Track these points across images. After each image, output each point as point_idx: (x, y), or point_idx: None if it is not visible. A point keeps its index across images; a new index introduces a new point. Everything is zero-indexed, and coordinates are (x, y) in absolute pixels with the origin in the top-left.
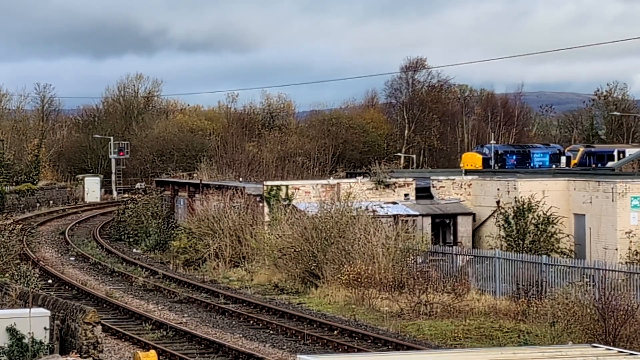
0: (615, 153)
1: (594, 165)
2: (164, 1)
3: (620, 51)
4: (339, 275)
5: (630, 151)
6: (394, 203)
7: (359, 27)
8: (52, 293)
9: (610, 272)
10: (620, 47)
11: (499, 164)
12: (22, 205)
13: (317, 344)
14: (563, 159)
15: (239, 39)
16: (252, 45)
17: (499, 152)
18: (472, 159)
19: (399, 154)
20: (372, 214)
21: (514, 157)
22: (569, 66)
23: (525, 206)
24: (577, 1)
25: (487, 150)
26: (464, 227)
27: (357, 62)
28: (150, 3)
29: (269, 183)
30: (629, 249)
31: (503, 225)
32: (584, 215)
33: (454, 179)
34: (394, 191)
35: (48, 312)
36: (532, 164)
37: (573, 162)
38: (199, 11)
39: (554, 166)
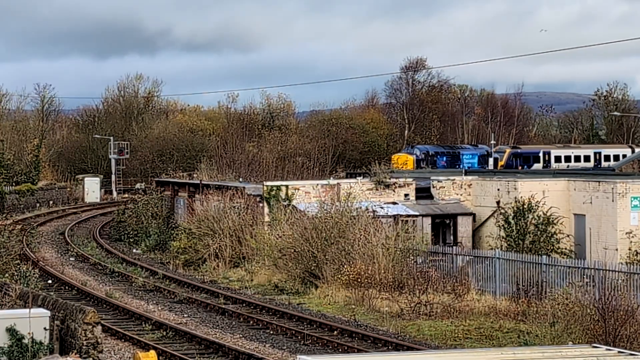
0: (541, 154)
1: (520, 167)
2: (169, 2)
3: (624, 51)
4: (339, 276)
5: (556, 152)
6: (394, 203)
7: (363, 28)
8: (52, 293)
9: (611, 272)
10: (624, 48)
11: (430, 165)
12: (22, 206)
13: (317, 344)
14: (491, 160)
15: (243, 39)
16: (255, 46)
17: (430, 153)
18: (402, 161)
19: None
20: (372, 214)
21: (445, 158)
22: (573, 66)
23: (525, 206)
24: (581, 1)
25: (418, 151)
26: (464, 227)
27: (361, 63)
28: (154, 3)
29: (269, 183)
30: (629, 249)
31: (503, 225)
32: (584, 215)
33: (454, 179)
34: (394, 191)
35: (48, 313)
36: (461, 165)
37: (500, 163)
38: (203, 12)
39: (485, 167)
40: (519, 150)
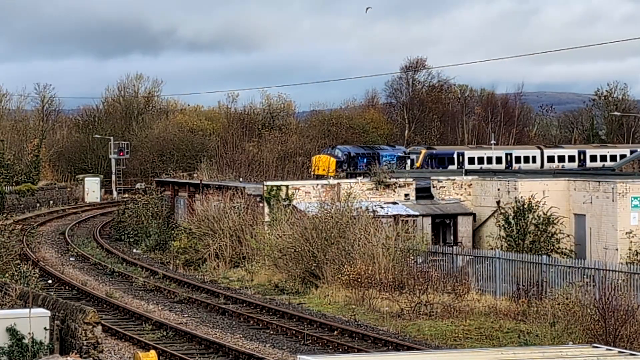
0: (455, 155)
1: (435, 168)
2: (174, 2)
3: (627, 51)
4: (339, 276)
5: (470, 153)
6: (394, 203)
7: (367, 28)
8: (52, 293)
9: (611, 272)
10: (627, 47)
11: (352, 167)
12: (22, 206)
13: (317, 344)
14: (408, 161)
15: (247, 39)
16: (259, 46)
17: (352, 155)
18: (325, 162)
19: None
20: (372, 214)
21: (365, 159)
22: (576, 66)
23: (525, 206)
24: (585, 1)
25: (339, 152)
26: (464, 227)
27: (366, 62)
28: (159, 3)
29: (269, 183)
30: (629, 249)
31: (503, 225)
32: (584, 215)
33: (454, 179)
34: (394, 191)
35: (48, 313)
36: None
37: (416, 164)
38: (207, 11)
39: (406, 167)
40: (434, 152)
